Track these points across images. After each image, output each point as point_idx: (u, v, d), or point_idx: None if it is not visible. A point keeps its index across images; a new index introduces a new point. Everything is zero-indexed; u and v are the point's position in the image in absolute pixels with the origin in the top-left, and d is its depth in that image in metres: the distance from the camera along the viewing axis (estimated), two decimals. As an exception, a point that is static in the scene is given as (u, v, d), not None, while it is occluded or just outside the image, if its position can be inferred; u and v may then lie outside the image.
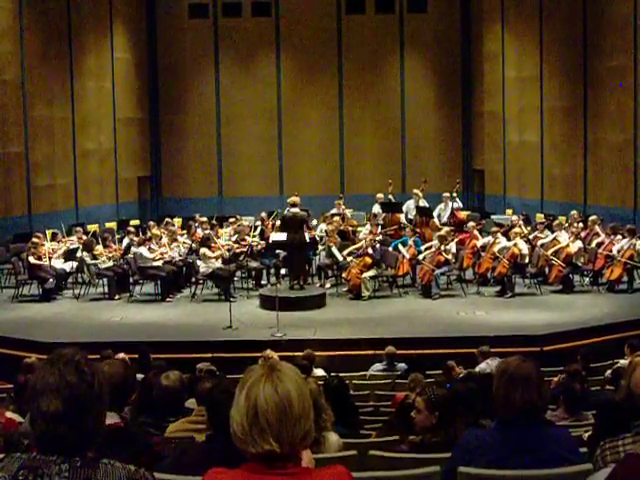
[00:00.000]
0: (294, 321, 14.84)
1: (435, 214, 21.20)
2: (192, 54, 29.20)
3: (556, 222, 18.93)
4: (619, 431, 3.70)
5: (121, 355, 10.55)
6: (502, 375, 4.00)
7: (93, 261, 17.84)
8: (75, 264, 18.13)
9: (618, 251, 16.89)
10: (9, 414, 7.04)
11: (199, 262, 17.34)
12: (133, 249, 17.92)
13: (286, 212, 17.24)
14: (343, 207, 21.63)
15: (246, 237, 18.63)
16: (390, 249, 17.95)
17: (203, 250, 17.23)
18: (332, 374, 8.79)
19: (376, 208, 21.65)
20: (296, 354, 11.65)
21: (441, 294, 17.05)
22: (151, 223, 20.85)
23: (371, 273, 17.19)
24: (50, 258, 17.64)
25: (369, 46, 29.10)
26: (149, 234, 18.78)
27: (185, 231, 20.49)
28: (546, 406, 4.11)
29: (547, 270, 17.58)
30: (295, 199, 17.27)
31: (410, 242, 18.02)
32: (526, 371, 3.89)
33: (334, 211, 21.61)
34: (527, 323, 14.69)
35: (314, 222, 21.06)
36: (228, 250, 17.67)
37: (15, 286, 17.77)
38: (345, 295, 17.38)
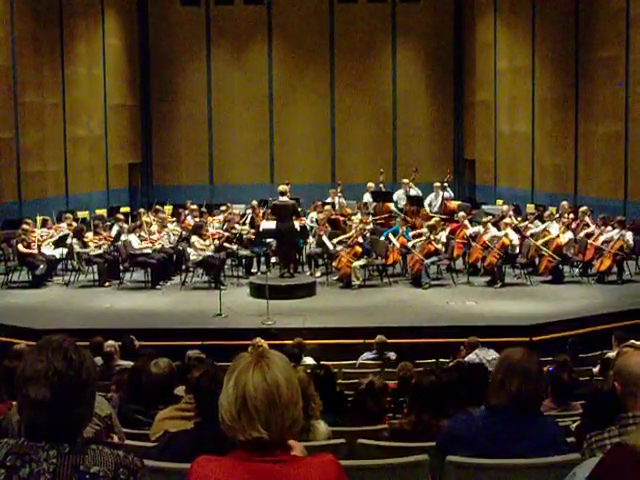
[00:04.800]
0: (284, 309, 14.84)
1: (426, 204, 21.23)
2: (184, 41, 29.10)
3: (547, 213, 18.96)
4: (607, 421, 3.72)
5: (110, 342, 10.56)
6: (503, 362, 4.04)
7: (83, 249, 17.80)
8: (65, 251, 18.09)
9: (608, 242, 16.94)
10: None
11: (189, 250, 17.31)
12: (123, 236, 17.90)
13: (276, 201, 17.24)
14: (339, 195, 21.58)
15: (235, 225, 18.62)
16: (381, 239, 17.96)
17: (194, 238, 17.21)
18: (320, 363, 8.80)
19: (367, 197, 21.65)
20: (286, 342, 11.67)
21: (431, 283, 17.07)
22: (141, 210, 20.82)
23: (361, 262, 17.20)
24: (40, 245, 17.60)
25: (361, 35, 29.06)
26: (139, 221, 18.75)
27: (175, 218, 20.47)
28: (541, 401, 4.13)
29: (537, 260, 17.63)
30: (284, 187, 17.27)
31: (401, 231, 18.01)
32: (528, 365, 3.92)
33: (329, 200, 21.59)
34: (517, 313, 14.73)
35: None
36: (219, 238, 17.67)
37: (5, 272, 17.73)
38: (335, 284, 17.40)
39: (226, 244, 17.79)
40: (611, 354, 10.00)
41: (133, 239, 17.36)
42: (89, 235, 18.22)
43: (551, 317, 14.21)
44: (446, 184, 21.63)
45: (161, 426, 5.44)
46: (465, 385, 6.47)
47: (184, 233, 18.77)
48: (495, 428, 3.96)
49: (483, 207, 23.23)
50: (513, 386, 3.89)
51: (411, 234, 17.94)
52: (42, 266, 17.28)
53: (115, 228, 19.27)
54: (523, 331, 13.46)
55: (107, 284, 17.41)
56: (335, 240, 17.65)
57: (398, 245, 17.50)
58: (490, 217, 18.76)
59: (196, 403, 4.77)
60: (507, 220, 17.92)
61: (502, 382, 3.94)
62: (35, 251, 17.34)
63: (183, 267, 17.96)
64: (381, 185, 22.16)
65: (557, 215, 18.76)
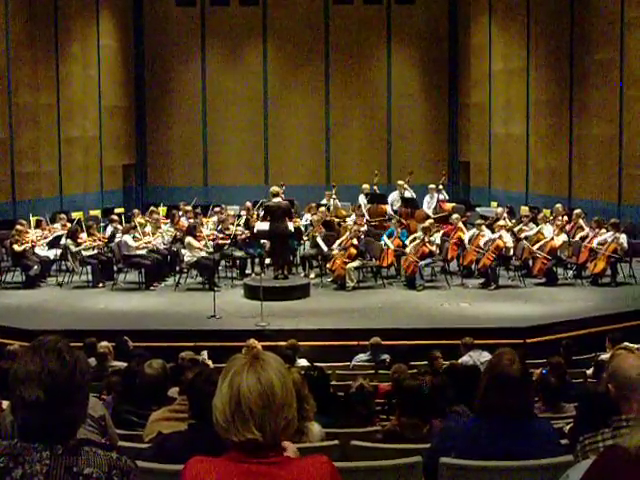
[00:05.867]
0: (278, 311, 14.84)
1: (424, 206, 21.26)
2: (179, 42, 29.07)
3: (540, 215, 18.99)
4: (600, 424, 3.72)
5: (104, 343, 10.55)
6: (487, 371, 4.03)
7: (77, 249, 17.77)
8: (59, 251, 18.06)
9: (602, 244, 16.96)
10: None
11: (184, 251, 17.30)
12: (117, 237, 17.88)
13: (269, 202, 17.22)
14: (334, 197, 21.58)
15: (230, 226, 18.61)
16: (381, 243, 17.94)
17: (189, 239, 17.19)
18: (314, 364, 8.80)
19: (361, 199, 21.65)
20: (280, 344, 11.66)
21: (425, 285, 17.07)
22: (135, 211, 20.80)
23: (355, 264, 17.19)
24: (34, 246, 17.57)
25: (356, 36, 29.06)
26: (133, 222, 18.74)
27: (169, 220, 20.46)
28: (527, 409, 4.12)
29: (531, 263, 17.64)
30: (277, 189, 17.26)
31: (396, 233, 18.01)
32: (511, 375, 3.91)
33: (324, 201, 21.59)
34: (510, 315, 14.74)
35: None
36: (212, 240, 17.66)
37: (-2, 273, 17.73)
38: (329, 285, 17.40)
39: (222, 241, 17.80)
40: (605, 356, 10.01)
41: (128, 240, 17.34)
42: (83, 236, 18.18)
43: (545, 319, 14.23)
44: (441, 186, 21.64)
45: (155, 427, 5.44)
46: (458, 387, 6.49)
47: (178, 234, 18.76)
48: (488, 430, 3.96)
49: (477, 209, 23.23)
50: (495, 398, 3.89)
51: (408, 241, 17.88)
52: (36, 267, 17.25)
53: (109, 229, 19.27)
54: (517, 333, 13.47)
55: (101, 285, 17.38)
56: (335, 245, 17.59)
57: (393, 247, 17.52)
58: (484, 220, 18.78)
59: (190, 404, 4.77)
60: (501, 222, 17.94)
61: (486, 392, 3.95)
62: (29, 248, 17.28)
63: (177, 268, 17.96)
64: (375, 187, 22.16)
65: (551, 218, 18.80)
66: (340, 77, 29.24)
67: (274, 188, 17.30)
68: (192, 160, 29.30)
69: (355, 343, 13.03)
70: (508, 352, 4.08)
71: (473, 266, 17.78)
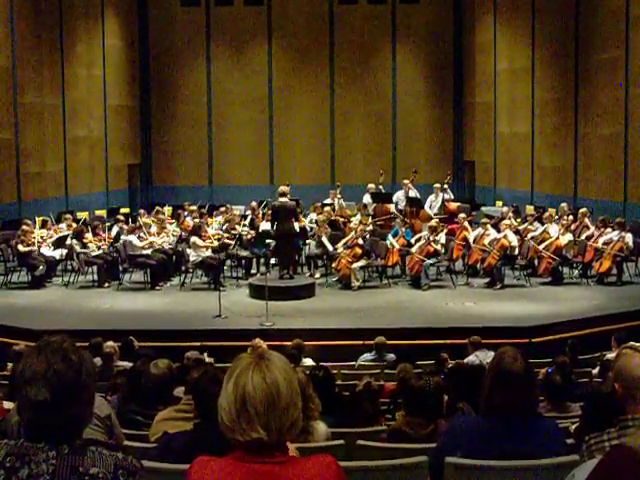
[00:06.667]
0: (283, 310, 14.84)
1: (427, 206, 21.24)
2: (184, 42, 29.10)
3: (546, 214, 18.96)
4: (606, 423, 3.71)
5: (110, 343, 10.56)
6: (491, 370, 4.02)
7: (83, 249, 17.80)
8: (65, 251, 18.08)
9: (607, 244, 16.93)
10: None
11: (189, 251, 17.31)
12: (123, 237, 17.90)
13: (275, 202, 17.22)
14: (338, 197, 21.57)
15: (236, 226, 18.63)
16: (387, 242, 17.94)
17: (194, 239, 17.20)
18: (319, 364, 8.80)
19: (367, 198, 21.64)
20: (285, 343, 11.66)
21: (430, 285, 17.06)
22: (141, 211, 20.85)
23: (361, 263, 17.18)
24: (40, 246, 17.59)
25: (361, 36, 29.06)
26: (139, 222, 18.75)
27: (174, 220, 20.47)
28: (532, 407, 4.10)
29: (536, 262, 17.63)
30: (284, 188, 17.24)
31: (401, 232, 18.00)
32: (514, 372, 3.90)
33: (328, 201, 21.57)
34: (516, 314, 14.72)
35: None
36: (218, 240, 17.67)
37: (4, 273, 17.72)
38: (334, 285, 17.40)
39: (227, 241, 17.80)
40: (610, 356, 9.99)
41: (133, 240, 17.36)
42: (88, 236, 18.21)
43: (550, 318, 14.20)
44: (446, 185, 21.63)
45: (160, 427, 5.44)
46: (463, 387, 6.49)
47: (183, 234, 18.78)
48: (493, 429, 3.96)
49: (482, 208, 23.22)
50: (500, 396, 3.89)
51: (413, 240, 17.87)
52: (41, 267, 17.27)
53: (115, 229, 19.29)
54: (523, 332, 13.45)
55: (106, 285, 17.40)
56: (340, 244, 17.60)
57: (398, 246, 17.52)
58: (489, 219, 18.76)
59: (195, 404, 4.77)
60: (506, 222, 17.91)
61: (490, 390, 3.94)
62: (35, 249, 17.30)
63: (183, 268, 17.97)
64: (380, 186, 22.15)
65: (556, 217, 18.77)
66: (345, 76, 29.24)
67: (282, 188, 17.28)
68: (197, 160, 29.33)
69: (360, 343, 13.02)
70: (510, 350, 4.07)
71: (478, 265, 17.76)
